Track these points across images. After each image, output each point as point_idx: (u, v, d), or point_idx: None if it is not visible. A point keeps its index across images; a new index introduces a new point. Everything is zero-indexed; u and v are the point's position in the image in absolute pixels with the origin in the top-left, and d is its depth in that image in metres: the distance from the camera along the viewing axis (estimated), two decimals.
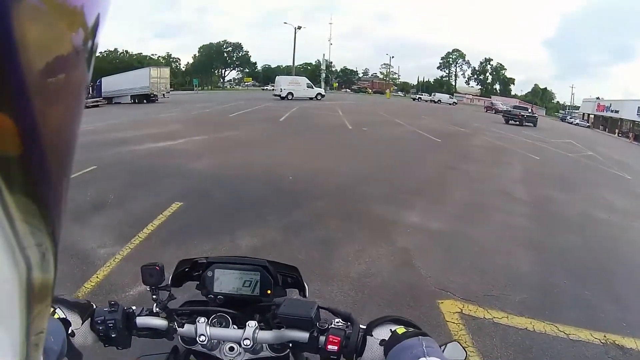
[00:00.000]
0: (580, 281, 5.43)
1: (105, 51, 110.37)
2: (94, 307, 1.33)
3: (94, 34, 0.31)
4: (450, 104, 73.54)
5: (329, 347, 1.20)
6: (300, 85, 48.44)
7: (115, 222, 6.46)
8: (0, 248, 0.26)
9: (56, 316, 1.19)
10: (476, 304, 4.57)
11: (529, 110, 41.34)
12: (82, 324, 1.27)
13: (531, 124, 36.44)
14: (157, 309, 1.35)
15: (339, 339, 1.20)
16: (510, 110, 39.80)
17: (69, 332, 1.19)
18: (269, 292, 1.39)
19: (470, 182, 10.47)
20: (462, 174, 11.48)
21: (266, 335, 1.27)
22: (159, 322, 1.33)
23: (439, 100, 75.82)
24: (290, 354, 1.38)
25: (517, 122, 35.82)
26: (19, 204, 0.26)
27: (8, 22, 0.22)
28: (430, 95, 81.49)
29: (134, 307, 1.37)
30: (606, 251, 6.72)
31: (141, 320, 1.33)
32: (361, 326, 1.25)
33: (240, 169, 10.24)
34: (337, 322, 1.27)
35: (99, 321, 1.27)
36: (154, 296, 1.37)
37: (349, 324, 1.26)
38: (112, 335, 1.28)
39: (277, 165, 10.71)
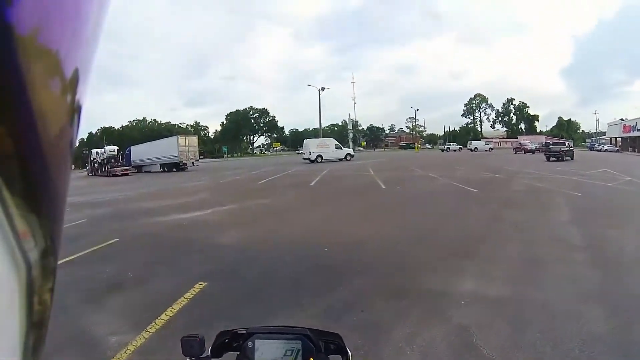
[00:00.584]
0: None
1: (134, 120, 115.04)
2: None
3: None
4: (486, 150, 74.92)
5: None
6: (328, 147, 48.61)
7: (131, 305, 5.91)
8: (0, 248, 0.27)
9: None
10: None
11: (567, 145, 42.86)
12: None
13: (569, 158, 38.57)
14: None
15: None
16: (549, 148, 41.31)
17: None
18: (311, 359, 1.35)
19: (519, 233, 9.43)
20: (507, 225, 10.42)
21: None
22: None
23: (475, 147, 77.31)
24: None
25: (558, 158, 38.00)
26: (19, 204, 0.27)
27: (8, 20, 0.23)
28: (467, 145, 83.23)
29: None
30: None
31: None
32: None
33: (269, 242, 9.47)
34: None
35: None
36: None
37: None
38: None
39: (310, 236, 9.92)
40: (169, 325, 5.16)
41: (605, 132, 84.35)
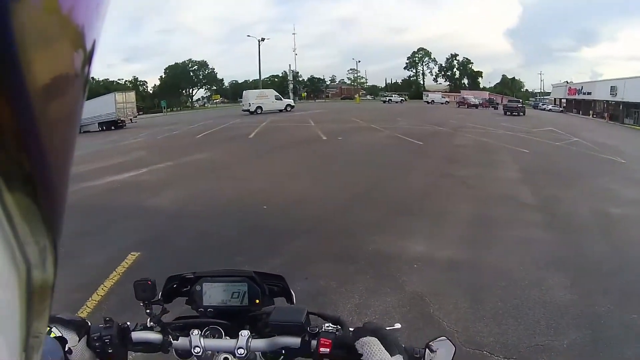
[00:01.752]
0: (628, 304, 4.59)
1: None
2: (89, 324, 1.34)
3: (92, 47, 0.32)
4: (442, 103, 74.30)
5: (321, 349, 1.23)
6: (268, 98, 47.64)
7: (61, 286, 5.33)
8: (0, 248, 0.27)
9: (52, 335, 1.20)
10: None
11: (521, 102, 52.39)
12: (79, 341, 1.28)
13: (522, 114, 45.57)
14: (152, 324, 1.36)
15: (330, 341, 1.23)
16: (507, 105, 49.79)
17: (66, 349, 1.20)
18: (257, 301, 1.41)
19: (468, 190, 9.57)
20: (456, 181, 10.55)
21: (259, 343, 1.29)
22: (154, 336, 1.34)
23: (432, 100, 76.51)
24: None
25: (516, 113, 44.86)
26: (19, 203, 0.27)
27: (9, 22, 0.23)
28: (422, 97, 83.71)
29: (128, 323, 1.37)
30: None
31: (136, 335, 1.35)
32: (350, 329, 1.27)
33: (206, 202, 9.18)
34: (327, 326, 1.29)
35: (95, 337, 1.30)
36: (148, 311, 1.37)
37: (338, 326, 1.29)
38: (109, 351, 1.30)
39: (249, 193, 9.68)
40: (101, 306, 4.80)
41: (550, 92, 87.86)
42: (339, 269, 5.53)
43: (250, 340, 1.28)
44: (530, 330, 4.14)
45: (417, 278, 5.23)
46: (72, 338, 1.25)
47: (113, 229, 7.54)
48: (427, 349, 1.22)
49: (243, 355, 1.26)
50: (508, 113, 45.41)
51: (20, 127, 0.25)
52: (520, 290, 4.91)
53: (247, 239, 6.72)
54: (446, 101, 78.75)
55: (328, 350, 1.22)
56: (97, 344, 1.29)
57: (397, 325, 1.31)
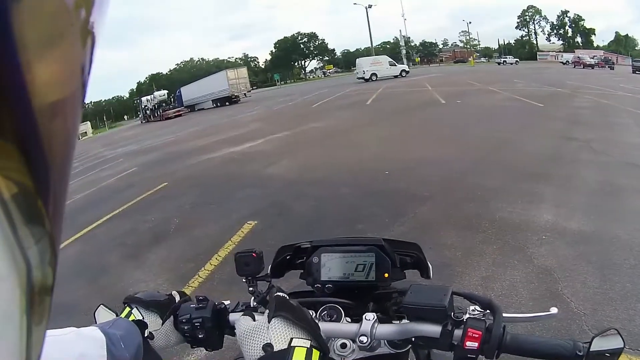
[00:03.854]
0: None
1: (181, 62, 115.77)
2: (179, 303, 1.20)
3: (92, 31, 0.31)
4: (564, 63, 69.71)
5: (468, 343, 0.94)
6: (382, 65, 46.98)
7: (176, 255, 5.46)
8: (0, 248, 0.27)
9: (132, 318, 1.10)
10: None
11: None
12: (163, 323, 1.14)
13: None
14: (255, 303, 1.19)
15: (480, 333, 0.95)
16: (634, 64, 46.99)
17: (146, 334, 1.08)
18: (386, 275, 1.20)
19: (594, 156, 8.27)
20: (579, 145, 9.20)
21: (387, 329, 1.04)
22: (258, 319, 1.03)
23: (567, 61, 70.51)
24: (410, 350, 1.16)
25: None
26: (19, 204, 0.27)
27: (9, 21, 0.23)
28: (556, 57, 79.84)
29: (226, 302, 1.21)
30: None
31: (236, 317, 1.14)
32: (504, 315, 0.99)
33: (324, 169, 8.77)
34: (474, 311, 1.00)
35: (184, 320, 1.14)
36: (251, 288, 1.21)
37: (488, 311, 1.00)
38: (200, 336, 1.14)
39: (369, 159, 9.12)
40: (213, 277, 4.66)
41: None
42: (465, 238, 4.95)
43: (376, 325, 1.04)
44: None
45: (545, 250, 4.52)
46: (154, 321, 1.13)
47: (230, 198, 7.43)
48: (590, 345, 0.89)
49: (366, 343, 1.01)
50: (636, 71, 43.70)
51: (20, 126, 0.25)
52: None
53: (368, 205, 6.23)
54: (567, 61, 72.67)
55: (476, 345, 0.94)
56: (186, 327, 1.14)
57: (554, 310, 1.02)
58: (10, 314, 0.28)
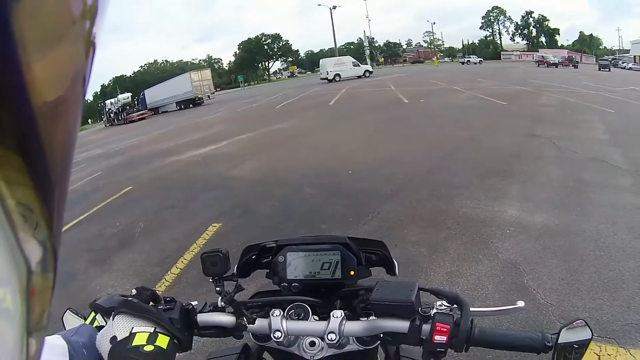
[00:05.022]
0: None
1: (145, 64, 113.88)
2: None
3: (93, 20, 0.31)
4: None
5: (437, 337, 0.98)
6: (346, 65, 47.42)
7: (142, 259, 5.44)
8: (0, 248, 0.27)
9: (96, 324, 1.09)
10: (615, 342, 3.07)
11: (610, 59, 58.73)
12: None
13: (609, 70, 48.93)
14: (223, 303, 1.16)
15: (449, 327, 0.98)
16: (600, 63, 55.05)
17: (112, 336, 0.98)
18: (352, 273, 1.21)
19: (557, 152, 8.57)
20: (543, 142, 9.53)
21: (355, 326, 1.06)
22: (226, 319, 1.13)
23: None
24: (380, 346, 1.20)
25: (608, 69, 48.80)
26: (19, 204, 0.27)
27: (9, 21, 0.23)
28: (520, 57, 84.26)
29: (194, 303, 1.17)
30: None
31: (204, 318, 1.14)
32: (472, 309, 1.01)
33: (288, 170, 8.84)
34: (441, 306, 1.03)
35: None
36: (218, 288, 1.16)
37: (455, 306, 1.03)
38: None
39: (332, 159, 9.24)
40: (180, 280, 4.68)
41: (629, 49, 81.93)
42: (429, 234, 5.09)
43: (344, 322, 1.06)
44: (625, 306, 3.50)
45: (509, 245, 4.70)
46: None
47: (195, 201, 7.46)
48: (558, 336, 0.95)
49: (334, 341, 1.05)
50: (601, 69, 49.77)
51: (20, 126, 0.24)
52: (614, 263, 4.19)
53: (331, 205, 6.34)
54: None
55: (445, 339, 0.97)
56: None
57: (520, 303, 1.06)
58: (10, 315, 0.28)
